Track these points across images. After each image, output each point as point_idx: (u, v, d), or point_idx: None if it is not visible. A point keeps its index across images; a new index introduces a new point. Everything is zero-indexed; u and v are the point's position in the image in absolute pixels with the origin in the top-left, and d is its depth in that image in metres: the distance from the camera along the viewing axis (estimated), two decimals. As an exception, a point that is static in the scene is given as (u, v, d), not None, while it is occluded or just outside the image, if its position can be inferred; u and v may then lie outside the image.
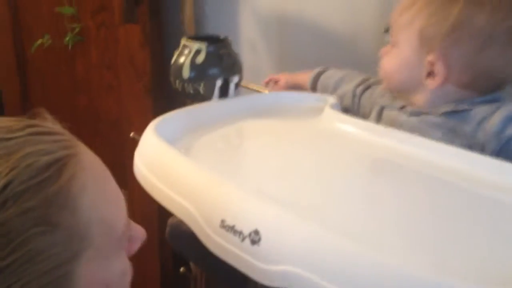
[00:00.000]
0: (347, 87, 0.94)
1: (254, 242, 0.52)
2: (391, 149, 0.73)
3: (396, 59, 0.81)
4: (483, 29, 0.73)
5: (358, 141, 0.78)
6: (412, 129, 0.77)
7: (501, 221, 0.58)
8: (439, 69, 0.76)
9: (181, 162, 0.65)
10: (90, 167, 0.45)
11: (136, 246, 0.52)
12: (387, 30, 0.87)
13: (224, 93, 0.90)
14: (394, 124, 0.80)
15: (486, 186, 0.63)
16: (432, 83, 0.77)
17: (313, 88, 1.01)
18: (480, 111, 0.74)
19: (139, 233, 0.52)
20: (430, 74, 0.77)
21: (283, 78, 1.08)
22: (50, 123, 0.46)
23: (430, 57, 0.76)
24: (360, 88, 0.93)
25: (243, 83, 1.31)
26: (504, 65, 0.76)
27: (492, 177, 0.64)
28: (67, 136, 0.45)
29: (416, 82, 0.79)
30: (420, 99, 0.80)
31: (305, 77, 1.03)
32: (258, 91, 1.29)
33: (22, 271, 0.39)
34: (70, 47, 1.75)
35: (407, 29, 0.78)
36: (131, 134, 1.42)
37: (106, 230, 0.45)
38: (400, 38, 0.80)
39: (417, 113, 0.79)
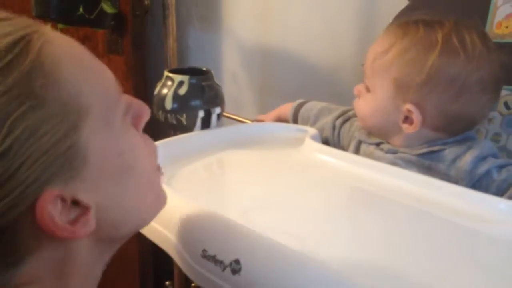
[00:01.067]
0: (327, 119, 0.96)
1: (235, 271, 0.52)
2: (369, 180, 0.75)
3: (371, 104, 0.83)
4: (457, 79, 0.75)
5: (338, 171, 0.79)
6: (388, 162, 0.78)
7: (475, 250, 0.60)
8: (416, 116, 0.78)
9: (163, 192, 0.65)
10: (57, 40, 0.44)
11: (142, 121, 0.53)
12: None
13: (206, 124, 0.91)
14: (371, 158, 0.82)
15: (461, 216, 0.65)
16: (408, 128, 0.79)
17: (294, 120, 1.03)
18: (453, 150, 0.77)
19: (142, 108, 0.53)
20: (407, 119, 0.80)
21: (267, 117, 1.09)
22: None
23: (407, 106, 0.78)
24: (339, 120, 0.95)
25: (225, 114, 1.32)
26: (477, 111, 0.79)
27: (467, 207, 0.65)
28: (25, 18, 0.44)
29: (392, 125, 0.81)
30: (395, 140, 0.83)
31: (287, 109, 1.05)
32: (240, 122, 1.30)
33: (26, 148, 0.39)
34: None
35: (383, 76, 0.80)
36: (113, 164, 1.42)
37: (99, 96, 0.45)
38: (375, 84, 0.82)
39: (393, 151, 0.82)
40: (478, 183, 0.74)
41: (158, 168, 0.55)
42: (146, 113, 0.53)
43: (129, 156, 0.48)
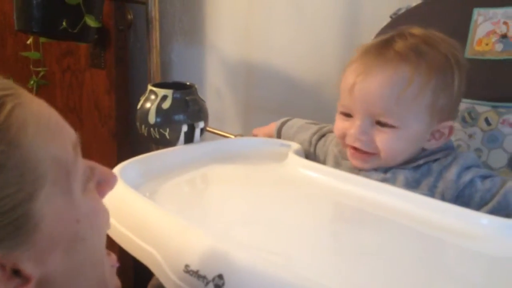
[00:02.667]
0: (304, 136, 0.97)
1: (218, 286, 0.51)
2: (353, 195, 0.75)
3: (407, 139, 0.78)
4: (464, 87, 0.80)
5: (321, 186, 0.79)
6: (378, 179, 0.79)
7: (458, 265, 0.60)
8: (449, 131, 0.80)
9: (145, 207, 0.65)
10: (30, 104, 0.43)
11: (107, 189, 0.51)
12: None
13: (189, 138, 0.91)
14: (354, 171, 0.82)
15: (444, 231, 0.65)
16: (436, 143, 0.80)
17: (279, 138, 1.04)
18: (440, 162, 0.78)
19: (108, 176, 0.51)
20: (433, 137, 0.80)
21: (259, 132, 1.09)
22: None
23: (448, 124, 0.79)
24: (315, 137, 0.95)
25: (209, 128, 1.32)
26: None
27: (449, 222, 0.65)
28: (5, 81, 0.44)
29: (416, 149, 0.80)
30: (399, 160, 0.81)
31: (272, 128, 1.06)
32: (223, 137, 1.30)
33: None
34: (34, 91, 1.74)
35: (414, 108, 0.76)
36: (95, 179, 1.40)
37: (58, 165, 0.43)
38: (406, 118, 0.77)
39: (384, 170, 0.81)
40: (462, 192, 0.75)
41: (109, 254, 0.53)
42: (112, 181, 0.52)
43: (86, 225, 0.46)
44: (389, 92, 0.76)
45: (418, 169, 0.79)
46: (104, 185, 0.51)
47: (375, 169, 0.81)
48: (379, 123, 0.78)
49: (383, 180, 0.78)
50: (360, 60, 0.80)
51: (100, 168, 0.51)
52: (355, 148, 0.81)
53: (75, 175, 0.45)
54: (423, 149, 0.81)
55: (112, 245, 0.57)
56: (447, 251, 0.64)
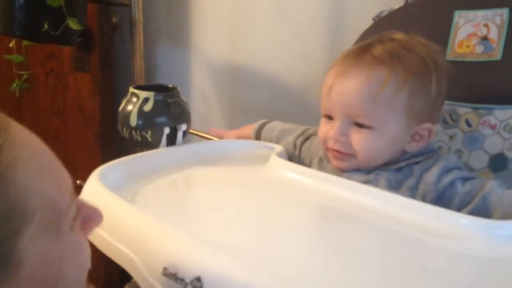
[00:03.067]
0: (288, 139, 0.97)
1: (196, 289, 0.51)
2: (336, 197, 0.75)
3: (384, 140, 0.78)
4: (445, 90, 0.81)
5: (304, 188, 0.79)
6: (361, 181, 0.79)
7: (438, 265, 0.60)
8: (429, 134, 0.80)
9: (122, 209, 0.64)
10: (21, 141, 0.43)
11: (92, 227, 0.51)
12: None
13: (172, 141, 0.91)
14: (338, 173, 0.82)
15: (423, 231, 0.65)
16: (416, 146, 0.80)
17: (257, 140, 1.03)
18: (421, 165, 0.78)
19: (94, 213, 0.51)
20: (413, 139, 0.80)
21: (228, 135, 1.10)
22: None
23: (426, 126, 0.79)
24: (300, 139, 0.95)
25: (193, 131, 1.32)
26: None
27: (429, 223, 0.65)
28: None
29: (396, 152, 0.81)
30: (380, 162, 0.81)
31: (249, 131, 1.05)
32: (208, 139, 1.30)
33: None
34: (17, 94, 1.73)
35: (392, 110, 0.77)
36: (78, 182, 1.39)
37: (47, 204, 0.43)
38: (383, 119, 0.77)
39: (367, 171, 0.81)
40: (442, 194, 0.75)
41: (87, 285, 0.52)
42: (98, 220, 0.51)
43: (68, 264, 0.45)
44: (365, 93, 0.77)
45: (400, 171, 0.79)
46: (89, 222, 0.50)
47: (358, 170, 0.81)
48: (357, 124, 0.79)
49: (366, 182, 0.78)
50: (339, 64, 0.82)
51: (87, 206, 0.50)
52: (335, 150, 0.81)
53: (67, 219, 0.45)
54: (405, 152, 0.81)
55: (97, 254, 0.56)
56: (427, 251, 0.64)
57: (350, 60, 0.80)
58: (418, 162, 0.79)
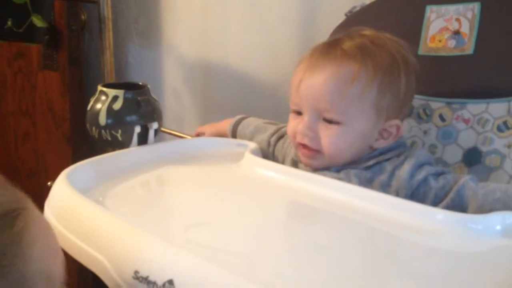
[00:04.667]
0: (262, 137, 0.96)
1: (168, 292, 0.50)
2: (310, 193, 0.74)
3: (351, 136, 0.78)
4: (414, 87, 0.81)
5: (278, 185, 0.78)
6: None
7: (414, 260, 0.59)
8: (397, 130, 0.80)
9: (91, 211, 0.62)
10: (39, 221, 0.46)
11: None
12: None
13: (143, 140, 0.89)
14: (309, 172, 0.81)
15: (400, 227, 0.64)
16: (384, 143, 0.80)
17: (233, 137, 1.02)
18: (392, 161, 0.78)
19: None
20: (381, 136, 0.80)
21: (207, 130, 1.09)
22: None
23: (394, 122, 0.79)
24: (274, 137, 0.94)
25: (167, 129, 1.30)
26: None
27: (405, 218, 0.65)
28: (15, 190, 0.47)
29: (365, 148, 0.80)
30: (347, 159, 0.81)
31: (226, 126, 1.04)
32: (181, 137, 1.28)
33: None
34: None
35: (360, 105, 0.77)
36: (49, 183, 1.36)
37: (49, 283, 0.45)
38: (351, 115, 0.77)
39: (337, 169, 0.80)
40: (417, 190, 0.75)
41: None
42: None
43: None
44: (334, 87, 0.76)
45: (369, 168, 0.79)
46: None
47: (327, 169, 0.81)
48: (325, 120, 0.78)
49: (334, 177, 0.78)
50: (308, 59, 0.81)
51: None
52: (303, 145, 0.81)
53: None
54: (373, 149, 0.81)
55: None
56: (403, 247, 0.63)
57: (319, 54, 0.79)
58: (388, 159, 0.79)
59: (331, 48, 0.79)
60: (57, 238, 0.49)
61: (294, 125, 0.81)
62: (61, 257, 0.49)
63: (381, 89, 0.76)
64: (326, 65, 0.77)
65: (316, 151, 0.80)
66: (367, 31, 0.81)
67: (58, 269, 0.47)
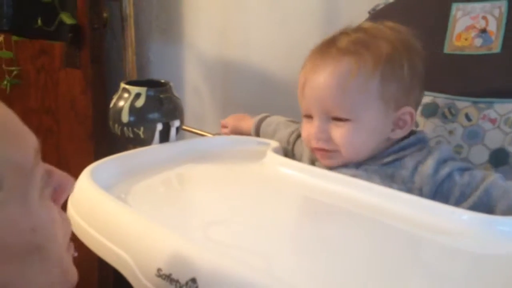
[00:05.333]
0: (282, 134, 0.96)
1: (191, 291, 0.49)
2: (332, 193, 0.73)
3: (363, 132, 0.77)
4: (421, 72, 0.79)
5: (300, 184, 0.77)
6: (351, 176, 0.77)
7: (438, 262, 0.58)
8: (411, 118, 0.78)
9: (115, 209, 0.62)
10: None
11: (63, 195, 0.48)
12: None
13: (165, 137, 0.89)
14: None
15: (423, 228, 0.63)
16: (400, 133, 0.79)
17: (256, 135, 1.02)
18: (414, 156, 0.77)
19: (65, 181, 0.48)
20: (396, 127, 0.79)
21: (230, 122, 1.09)
22: None
23: (406, 109, 0.78)
24: (294, 135, 0.94)
25: (188, 127, 1.30)
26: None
27: (429, 219, 0.64)
28: None
29: (382, 141, 0.79)
30: (366, 155, 0.80)
31: (249, 124, 1.04)
32: (201, 135, 1.28)
33: None
34: (8, 91, 1.70)
35: (365, 100, 0.76)
36: (71, 181, 1.37)
37: (17, 170, 0.41)
38: (358, 111, 0.77)
39: (356, 165, 0.80)
40: (441, 187, 0.74)
41: (69, 247, 0.50)
42: (68, 187, 0.49)
43: (42, 234, 0.43)
44: (335, 85, 0.76)
45: (389, 164, 0.78)
46: (60, 191, 0.48)
47: (346, 166, 0.80)
48: (335, 119, 0.78)
49: (356, 177, 0.77)
50: (308, 62, 0.82)
51: (57, 173, 0.48)
52: (319, 149, 0.80)
53: (34, 182, 0.43)
54: (391, 140, 0.80)
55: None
56: (428, 248, 0.62)
57: (317, 55, 0.80)
58: (408, 155, 0.78)
59: (327, 48, 0.80)
60: (18, 120, 0.43)
61: (307, 130, 0.81)
62: (25, 140, 0.43)
63: (384, 79, 0.76)
64: (325, 65, 0.78)
65: (333, 152, 0.79)
66: (366, 24, 0.82)
67: (23, 153, 0.42)
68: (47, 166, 0.46)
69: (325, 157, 0.81)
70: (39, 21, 1.15)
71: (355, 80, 0.75)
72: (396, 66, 0.77)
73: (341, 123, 0.77)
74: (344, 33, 0.81)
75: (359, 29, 0.81)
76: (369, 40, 0.78)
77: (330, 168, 0.81)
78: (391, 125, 0.78)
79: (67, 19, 1.19)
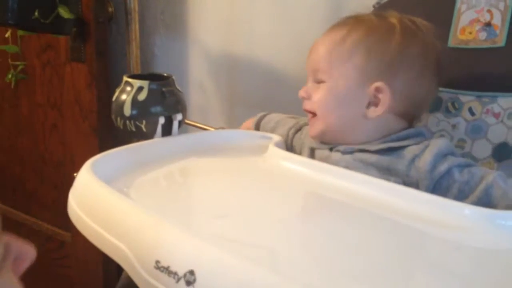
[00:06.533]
0: (282, 130, 0.96)
1: (189, 283, 0.49)
2: (335, 187, 0.73)
3: (333, 93, 0.80)
4: (418, 58, 0.78)
5: (302, 178, 0.77)
6: (347, 167, 0.76)
7: (440, 256, 0.58)
8: (384, 97, 0.77)
9: (114, 201, 0.62)
10: None
11: (23, 266, 0.48)
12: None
13: (167, 131, 0.88)
14: (328, 162, 0.79)
15: (425, 222, 0.63)
16: (375, 111, 0.78)
17: None
18: (411, 149, 0.75)
19: (26, 252, 0.48)
20: (371, 104, 0.79)
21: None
22: None
23: (376, 84, 0.77)
24: (292, 130, 0.94)
25: (192, 121, 1.30)
26: (432, 92, 0.82)
27: (430, 213, 0.64)
28: None
29: (354, 117, 0.80)
30: (353, 136, 0.80)
31: (249, 123, 1.04)
32: (205, 129, 1.28)
33: None
34: (13, 85, 1.71)
35: (343, 65, 0.79)
36: (75, 174, 1.37)
37: None
38: (334, 74, 0.80)
39: (350, 151, 0.79)
40: (439, 183, 0.72)
41: None
42: (29, 256, 0.49)
43: None
44: (324, 50, 0.81)
45: (385, 154, 0.77)
46: (21, 262, 0.48)
47: (338, 150, 0.81)
48: (317, 81, 0.83)
49: (352, 163, 0.78)
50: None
51: (16, 244, 0.47)
52: (306, 111, 0.85)
53: None
54: (368, 120, 0.79)
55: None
56: (430, 242, 0.62)
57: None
58: (404, 146, 0.76)
59: (331, 27, 0.85)
60: None
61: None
62: None
63: (367, 52, 0.78)
64: (325, 34, 0.84)
65: (313, 114, 0.83)
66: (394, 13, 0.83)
67: None
68: (5, 239, 0.46)
69: (310, 124, 0.85)
70: (36, 13, 1.14)
71: (341, 47, 0.79)
72: (385, 40, 0.78)
73: (319, 85, 0.82)
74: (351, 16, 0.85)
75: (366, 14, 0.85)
76: (369, 17, 0.82)
77: (328, 149, 0.83)
78: (365, 99, 0.79)
79: (65, 13, 1.18)
